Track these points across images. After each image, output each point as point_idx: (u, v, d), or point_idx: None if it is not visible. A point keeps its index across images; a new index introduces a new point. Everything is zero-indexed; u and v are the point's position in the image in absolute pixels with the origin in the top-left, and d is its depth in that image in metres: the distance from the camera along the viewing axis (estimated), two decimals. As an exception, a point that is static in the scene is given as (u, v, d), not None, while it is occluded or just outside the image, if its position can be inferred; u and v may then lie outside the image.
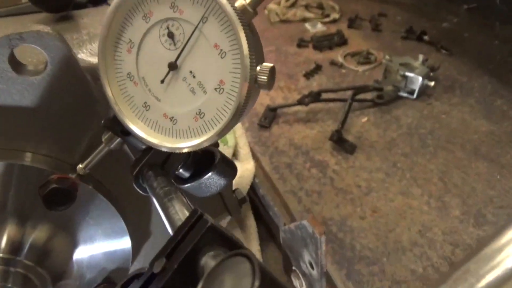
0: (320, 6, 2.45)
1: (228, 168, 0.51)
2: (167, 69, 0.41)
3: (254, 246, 0.75)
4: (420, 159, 1.40)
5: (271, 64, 0.39)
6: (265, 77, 0.39)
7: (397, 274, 1.07)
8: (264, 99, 1.74)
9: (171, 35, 0.41)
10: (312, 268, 0.55)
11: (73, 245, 0.47)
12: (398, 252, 1.12)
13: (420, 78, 1.62)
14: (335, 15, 2.37)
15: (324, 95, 1.64)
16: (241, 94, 0.39)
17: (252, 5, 0.39)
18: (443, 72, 1.81)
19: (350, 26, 2.27)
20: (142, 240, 0.55)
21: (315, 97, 1.59)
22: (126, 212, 0.49)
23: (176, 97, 0.42)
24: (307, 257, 0.56)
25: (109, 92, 0.43)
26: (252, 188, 1.21)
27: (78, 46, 0.52)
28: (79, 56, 0.51)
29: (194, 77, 0.41)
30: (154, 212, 0.50)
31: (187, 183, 0.51)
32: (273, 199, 0.99)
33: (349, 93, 1.60)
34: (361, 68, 1.90)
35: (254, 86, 0.39)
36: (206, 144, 0.42)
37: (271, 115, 1.63)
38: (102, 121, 0.46)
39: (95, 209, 0.47)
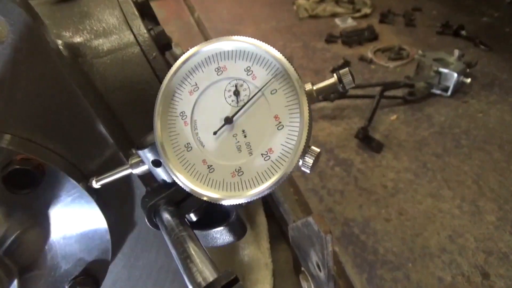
0: (351, 1, 2.37)
1: (240, 228, 0.50)
2: (221, 121, 0.42)
3: (264, 244, 0.71)
4: (453, 160, 1.31)
5: (319, 150, 0.41)
6: (311, 160, 0.40)
7: (423, 281, 1.00)
8: (288, 95, 1.70)
9: (237, 93, 0.42)
10: (320, 270, 0.51)
11: (44, 234, 0.45)
12: (425, 258, 1.05)
13: (455, 75, 1.52)
14: (366, 10, 2.28)
15: (351, 91, 1.57)
16: (286, 168, 0.40)
17: (318, 92, 0.41)
18: (481, 69, 1.70)
19: (381, 21, 2.18)
20: (126, 231, 0.52)
21: (342, 93, 1.53)
22: (104, 199, 0.46)
23: (221, 149, 0.43)
24: (314, 257, 0.51)
25: (157, 124, 0.43)
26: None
27: (66, 24, 0.50)
28: (64, 33, 0.48)
29: (245, 136, 0.42)
30: (138, 201, 0.47)
31: (193, 228, 0.49)
32: (284, 195, 0.94)
33: (377, 89, 1.52)
34: (392, 64, 1.82)
35: (299, 164, 0.40)
36: (231, 203, 0.42)
37: (295, 111, 1.58)
38: (136, 146, 0.45)
39: (67, 195, 0.44)
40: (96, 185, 0.45)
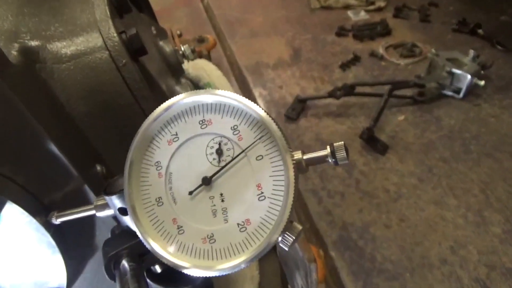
0: (365, -7, 2.29)
1: None
2: (198, 179, 0.38)
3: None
4: (461, 166, 1.26)
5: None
6: (292, 239, 0.36)
7: (420, 293, 0.96)
8: (294, 89, 1.65)
9: (219, 152, 0.38)
10: (304, 293, 0.48)
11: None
12: (424, 268, 1.01)
13: (468, 76, 1.46)
14: (380, 3, 2.20)
15: (359, 89, 1.52)
16: (263, 244, 0.36)
17: (308, 162, 0.38)
18: (496, 71, 1.62)
19: (396, 15, 2.10)
20: (86, 256, 0.49)
21: (348, 90, 1.47)
22: (60, 226, 0.42)
23: (195, 209, 0.39)
24: (299, 280, 0.48)
25: (127, 171, 0.39)
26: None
27: (30, 22, 0.45)
28: (23, 35, 0.44)
29: (222, 201, 0.38)
30: (99, 223, 0.43)
31: (156, 282, 0.46)
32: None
33: (386, 88, 1.46)
34: (403, 62, 1.75)
35: (277, 241, 0.36)
36: (198, 274, 0.38)
37: (300, 107, 1.53)
38: (104, 190, 0.41)
39: (12, 223, 0.40)
40: (56, 221, 0.41)
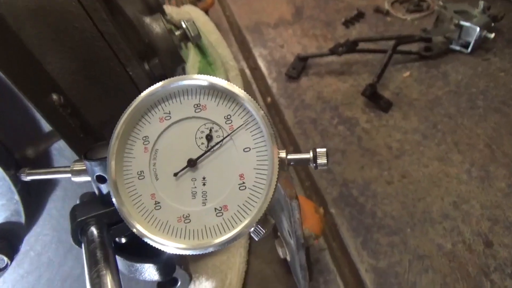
0: None
1: (168, 268, 0.48)
2: (184, 160, 0.40)
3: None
4: (466, 122, 1.22)
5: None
6: (263, 231, 0.38)
7: (421, 247, 0.95)
8: (295, 47, 1.60)
9: (209, 138, 0.40)
10: (290, 237, 0.46)
11: None
12: (426, 223, 1.00)
13: (477, 29, 1.39)
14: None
15: (362, 45, 1.46)
16: (237, 232, 0.38)
17: (290, 161, 0.40)
18: (507, 24, 1.54)
19: (403, -31, 2.00)
20: (46, 194, 0.48)
21: (351, 46, 1.42)
22: (13, 155, 0.40)
23: (175, 189, 0.40)
24: (285, 223, 0.47)
25: (113, 141, 0.39)
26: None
27: None
28: None
29: (204, 184, 0.40)
30: (56, 153, 0.42)
31: (120, 252, 0.46)
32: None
33: (390, 43, 1.41)
34: (409, 17, 1.68)
35: (249, 230, 0.38)
36: (170, 251, 0.39)
37: (301, 65, 1.48)
38: (84, 155, 0.40)
39: None
40: (26, 178, 0.41)
